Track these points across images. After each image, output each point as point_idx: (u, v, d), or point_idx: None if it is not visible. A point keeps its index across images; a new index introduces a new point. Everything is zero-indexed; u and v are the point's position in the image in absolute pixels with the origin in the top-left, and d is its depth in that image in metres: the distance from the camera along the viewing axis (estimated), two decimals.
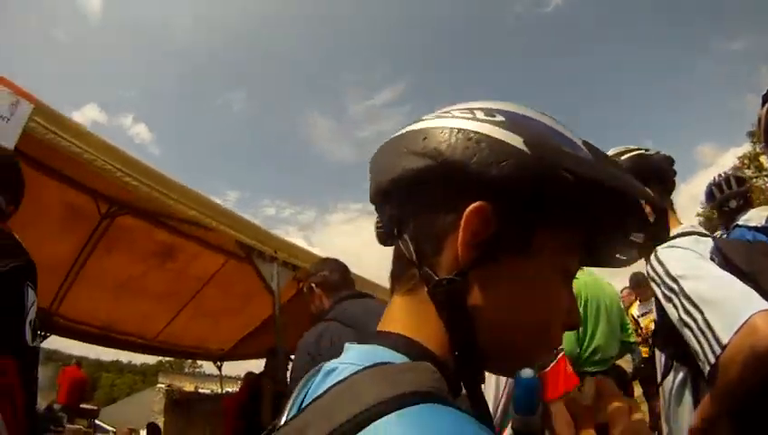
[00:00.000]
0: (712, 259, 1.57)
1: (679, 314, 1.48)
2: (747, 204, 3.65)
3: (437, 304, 0.65)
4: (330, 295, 2.93)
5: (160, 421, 14.19)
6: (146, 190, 3.42)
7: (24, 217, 4.37)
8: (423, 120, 0.70)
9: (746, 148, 25.40)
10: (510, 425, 0.62)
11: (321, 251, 4.90)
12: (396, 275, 0.73)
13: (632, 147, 2.09)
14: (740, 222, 1.78)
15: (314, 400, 0.53)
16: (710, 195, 3.90)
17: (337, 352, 2.03)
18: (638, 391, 5.96)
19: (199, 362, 29.35)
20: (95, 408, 11.54)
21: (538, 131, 0.65)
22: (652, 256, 1.63)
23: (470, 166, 0.62)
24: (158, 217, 4.93)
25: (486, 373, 0.69)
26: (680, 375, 1.74)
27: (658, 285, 1.59)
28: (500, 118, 0.65)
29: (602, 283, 3.73)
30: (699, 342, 1.39)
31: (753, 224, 1.71)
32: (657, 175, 1.98)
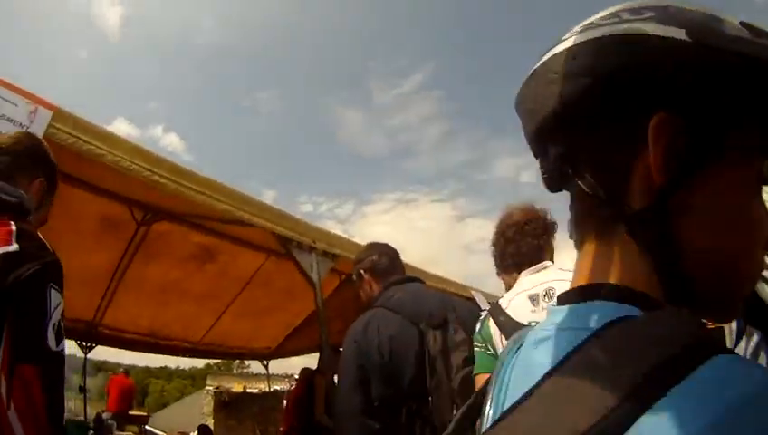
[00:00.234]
0: None
1: None
2: None
3: (640, 240, 0.55)
4: (379, 281, 2.82)
5: (210, 423, 14.34)
6: (173, 187, 3.30)
7: (60, 231, 4.40)
8: (563, 40, 0.58)
9: None
10: None
11: (361, 242, 4.74)
12: (579, 221, 0.63)
13: None
14: None
15: (555, 372, 0.47)
16: None
17: (384, 340, 2.32)
18: None
19: (247, 362, 29.64)
20: (145, 414, 11.67)
21: (697, 19, 0.52)
22: None
23: (636, 74, 0.51)
24: (191, 217, 4.82)
25: None
26: (754, 339, 1.49)
27: None
28: (650, 14, 0.52)
29: None
30: None
31: None
32: None
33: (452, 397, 2.29)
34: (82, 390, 7.88)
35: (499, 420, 0.49)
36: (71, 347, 6.72)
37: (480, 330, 2.38)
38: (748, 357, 1.54)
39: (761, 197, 0.57)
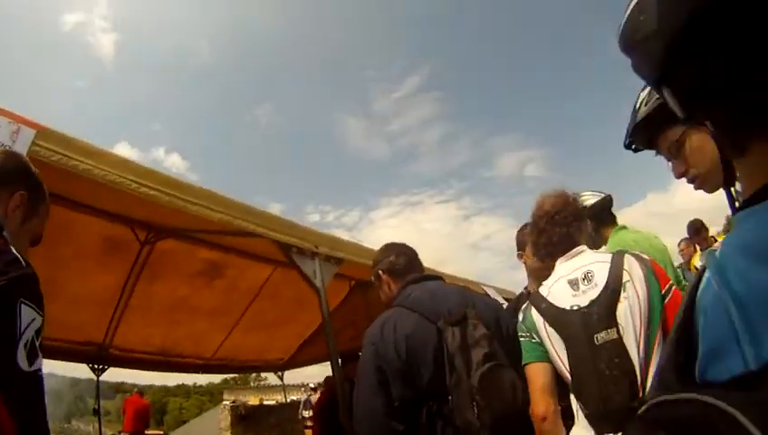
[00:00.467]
0: None
1: None
2: None
3: None
4: (397, 281, 2.82)
5: None
6: (167, 199, 3.19)
7: (64, 256, 4.39)
8: None
9: None
10: None
11: (369, 246, 4.68)
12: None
13: None
14: None
15: None
16: None
17: (400, 339, 2.29)
18: None
19: (264, 375, 29.67)
20: (161, 433, 11.63)
21: None
22: None
23: None
24: (191, 232, 4.77)
25: None
26: None
27: None
28: None
29: (650, 237, 3.57)
30: None
31: None
32: None
33: (472, 394, 2.24)
34: (96, 412, 7.84)
35: None
36: (82, 370, 6.73)
37: (524, 320, 2.43)
38: None
39: None
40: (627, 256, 2.29)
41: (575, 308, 2.24)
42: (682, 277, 3.85)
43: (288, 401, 15.91)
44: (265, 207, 4.04)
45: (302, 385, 17.26)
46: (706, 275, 0.66)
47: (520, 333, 2.44)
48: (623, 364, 2.08)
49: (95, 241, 4.56)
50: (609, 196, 3.93)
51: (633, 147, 1.81)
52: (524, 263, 3.23)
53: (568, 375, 2.23)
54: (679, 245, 7.16)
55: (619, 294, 2.16)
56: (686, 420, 0.53)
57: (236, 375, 38.13)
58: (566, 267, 2.38)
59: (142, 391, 12.85)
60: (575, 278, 2.30)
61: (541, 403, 2.26)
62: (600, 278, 2.23)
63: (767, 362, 0.53)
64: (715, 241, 6.54)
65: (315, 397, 15.61)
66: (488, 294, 5.57)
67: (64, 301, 4.88)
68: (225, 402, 18.20)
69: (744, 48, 0.57)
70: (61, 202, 3.56)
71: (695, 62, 0.60)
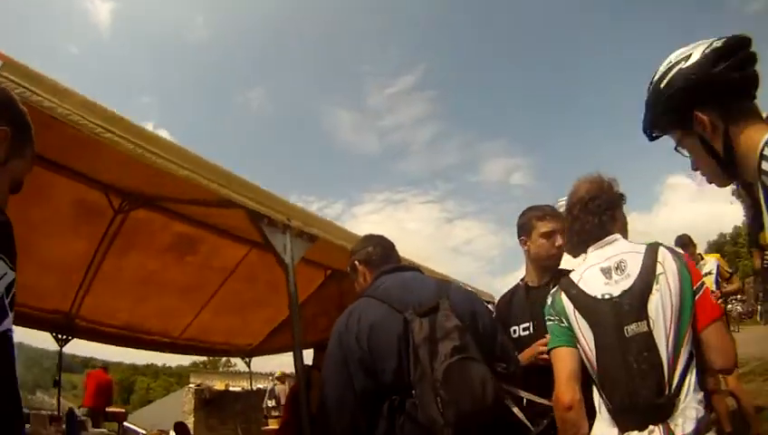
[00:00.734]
0: None
1: None
2: None
3: None
4: (373, 272, 2.75)
5: (190, 421, 14.16)
6: (131, 147, 2.97)
7: (34, 217, 4.23)
8: None
9: None
10: None
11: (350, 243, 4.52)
12: None
13: None
14: None
15: None
16: None
17: (364, 330, 2.22)
18: None
19: (233, 361, 29.44)
20: (123, 411, 11.44)
21: None
22: None
23: None
24: (164, 200, 4.59)
25: None
26: None
27: None
28: None
29: None
30: None
31: None
32: None
33: (435, 389, 2.14)
34: (57, 384, 7.66)
35: None
36: (51, 341, 6.60)
37: (552, 303, 2.43)
38: None
39: None
40: (661, 248, 2.26)
41: (606, 297, 2.22)
42: None
43: (254, 388, 15.74)
44: None
45: (271, 374, 17.06)
46: None
47: (548, 317, 2.43)
48: (652, 358, 2.06)
49: (67, 204, 4.43)
50: None
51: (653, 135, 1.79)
52: (526, 250, 3.13)
53: (593, 365, 2.21)
54: None
55: (652, 287, 2.14)
56: None
57: (206, 359, 37.97)
58: (598, 255, 2.38)
59: (109, 367, 12.67)
60: (608, 267, 2.28)
61: (567, 391, 2.23)
62: (633, 269, 2.21)
63: None
64: (702, 258, 6.69)
65: (279, 386, 15.49)
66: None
67: (31, 265, 4.71)
68: (190, 385, 18.06)
69: None
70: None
71: None
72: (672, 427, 1.99)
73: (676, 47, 1.65)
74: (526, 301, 3.13)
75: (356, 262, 2.85)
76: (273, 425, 14.28)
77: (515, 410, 2.50)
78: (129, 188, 4.42)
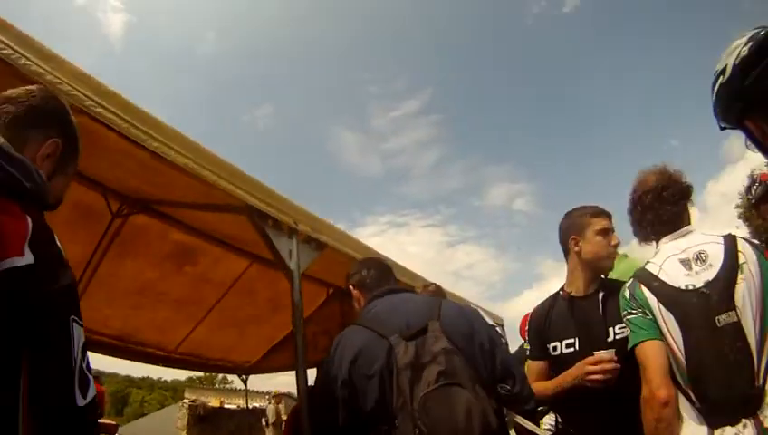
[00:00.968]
0: None
1: None
2: None
3: None
4: (367, 296, 2.65)
5: None
6: (125, 126, 2.69)
7: None
8: None
9: None
10: None
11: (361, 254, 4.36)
12: None
13: None
14: None
15: None
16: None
17: (346, 361, 2.14)
18: None
19: (230, 377, 29.17)
20: (114, 423, 11.17)
21: None
22: None
23: None
24: (163, 204, 4.39)
25: None
26: None
27: None
28: None
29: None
30: None
31: None
32: None
33: (413, 419, 1.99)
34: None
35: None
36: None
37: (632, 297, 2.33)
38: None
39: None
40: (738, 238, 2.23)
41: (690, 288, 2.16)
42: None
43: (250, 407, 15.48)
44: None
45: (267, 393, 16.84)
46: None
47: (629, 310, 2.32)
48: (744, 348, 2.02)
49: (65, 206, 4.19)
50: None
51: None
52: (578, 251, 2.82)
53: (681, 359, 2.12)
54: None
55: (737, 276, 2.11)
56: None
57: (202, 374, 37.68)
58: (674, 246, 2.32)
59: (103, 378, 12.47)
60: (686, 258, 2.23)
61: (663, 386, 2.12)
62: (715, 259, 2.17)
63: None
64: None
65: (270, 407, 15.29)
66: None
67: None
68: (184, 401, 17.82)
69: None
70: None
71: None
72: (762, 419, 1.95)
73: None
74: (570, 313, 2.82)
75: (351, 286, 2.75)
76: None
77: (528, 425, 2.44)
78: (128, 189, 4.21)
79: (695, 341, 2.09)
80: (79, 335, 1.20)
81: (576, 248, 2.82)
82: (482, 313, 6.08)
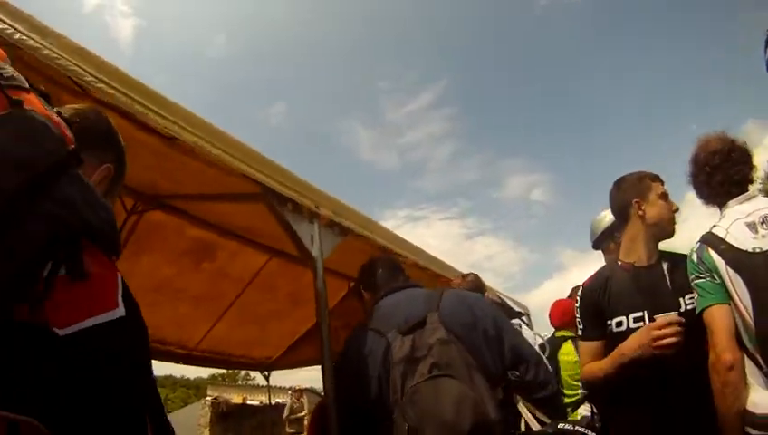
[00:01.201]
0: None
1: None
2: None
3: None
4: (375, 296, 2.69)
5: None
6: (123, 99, 2.47)
7: None
8: None
9: None
10: None
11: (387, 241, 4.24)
12: None
13: None
14: None
15: None
16: None
17: (347, 364, 2.38)
18: None
19: (252, 374, 29.28)
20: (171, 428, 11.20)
21: None
22: None
23: None
24: (178, 197, 4.25)
25: None
26: None
27: None
28: None
29: None
30: None
31: None
32: None
33: (404, 413, 1.96)
34: None
35: None
36: None
37: (700, 261, 2.27)
38: None
39: None
40: None
41: (758, 250, 2.12)
42: None
43: (273, 403, 15.46)
44: None
45: (290, 388, 16.81)
46: None
47: (696, 274, 2.27)
48: None
49: None
50: None
51: None
52: (641, 214, 2.62)
53: (749, 323, 2.06)
54: None
55: None
56: None
57: (225, 371, 37.87)
58: (739, 211, 2.28)
59: None
60: (752, 222, 2.18)
61: (729, 350, 2.07)
62: None
63: None
64: None
65: (290, 402, 15.24)
66: (502, 301, 5.19)
67: None
68: (206, 398, 17.85)
69: None
70: None
71: None
72: None
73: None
74: (634, 285, 2.58)
75: (360, 288, 2.83)
76: None
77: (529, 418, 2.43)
78: (141, 185, 4.09)
79: (763, 303, 2.02)
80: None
81: (640, 212, 2.62)
82: (509, 302, 5.99)
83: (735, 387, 2.02)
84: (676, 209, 2.62)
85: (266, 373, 8.86)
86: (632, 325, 2.51)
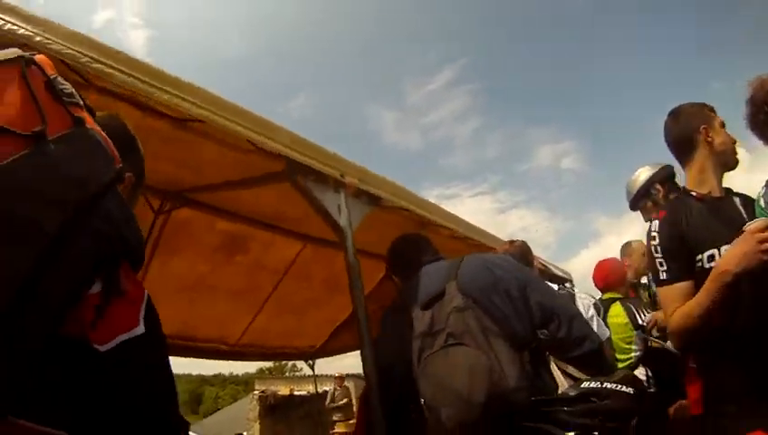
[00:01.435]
0: None
1: None
2: None
3: None
4: (402, 277, 2.70)
5: (256, 428, 14.04)
6: (130, 81, 2.32)
7: None
8: None
9: None
10: None
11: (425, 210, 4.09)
12: None
13: None
14: None
15: None
16: None
17: (381, 345, 2.60)
18: None
19: (299, 365, 29.55)
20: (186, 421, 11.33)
21: None
22: None
23: None
24: (202, 188, 4.17)
25: None
26: None
27: None
28: None
29: None
30: None
31: None
32: None
33: (420, 387, 1.97)
34: None
35: None
36: None
37: None
38: None
39: None
40: None
41: None
42: None
43: (320, 391, 15.53)
44: None
45: (335, 376, 16.89)
46: None
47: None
48: None
49: None
50: (670, 166, 3.80)
51: None
52: (709, 141, 2.42)
53: None
54: None
55: None
56: None
57: (271, 364, 38.30)
58: None
59: (177, 380, 12.59)
60: None
61: None
62: None
63: None
64: None
65: (335, 389, 15.29)
66: (546, 267, 5.05)
67: None
68: (254, 392, 18.00)
69: None
70: None
71: None
72: None
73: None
74: (714, 216, 2.31)
75: (392, 275, 2.80)
76: (340, 428, 14.03)
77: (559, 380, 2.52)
78: (163, 181, 4.00)
79: None
80: None
81: (708, 139, 2.40)
82: (552, 268, 5.82)
83: None
84: (735, 141, 2.42)
85: (311, 362, 8.86)
86: None
